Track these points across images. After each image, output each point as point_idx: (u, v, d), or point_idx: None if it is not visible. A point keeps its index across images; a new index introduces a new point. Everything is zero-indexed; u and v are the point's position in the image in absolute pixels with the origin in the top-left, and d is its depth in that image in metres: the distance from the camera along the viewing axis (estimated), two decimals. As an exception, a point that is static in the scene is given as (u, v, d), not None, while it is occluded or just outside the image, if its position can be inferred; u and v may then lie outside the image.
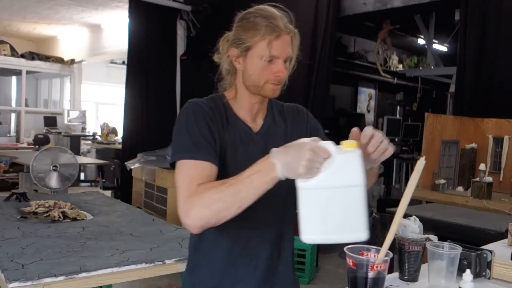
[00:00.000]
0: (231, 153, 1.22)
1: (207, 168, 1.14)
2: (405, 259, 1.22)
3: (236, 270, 1.26)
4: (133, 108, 5.92)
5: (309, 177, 0.96)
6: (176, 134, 1.22)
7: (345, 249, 0.81)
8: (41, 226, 2.52)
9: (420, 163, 0.79)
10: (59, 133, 8.43)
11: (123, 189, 5.84)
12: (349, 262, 0.81)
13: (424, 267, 1.25)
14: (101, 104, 11.70)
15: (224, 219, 1.05)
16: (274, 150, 1.01)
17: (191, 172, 1.13)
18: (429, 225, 1.92)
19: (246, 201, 1.03)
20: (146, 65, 5.94)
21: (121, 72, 5.93)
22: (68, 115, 9.07)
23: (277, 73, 1.20)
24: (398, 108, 9.10)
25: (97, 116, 11.49)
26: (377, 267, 0.79)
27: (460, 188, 3.55)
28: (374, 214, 4.43)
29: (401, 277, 1.24)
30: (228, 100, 1.29)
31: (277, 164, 0.99)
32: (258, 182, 1.01)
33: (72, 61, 9.44)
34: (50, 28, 9.12)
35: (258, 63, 1.20)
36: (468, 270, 1.05)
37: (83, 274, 1.82)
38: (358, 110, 8.40)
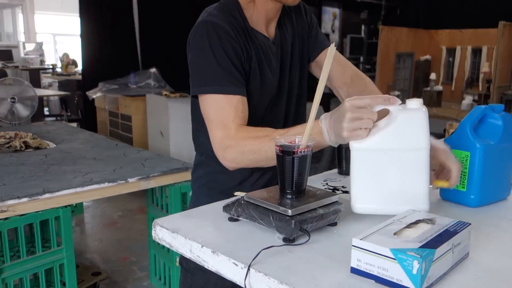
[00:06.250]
0: (258, 72, 1.13)
1: (239, 103, 1.06)
2: (343, 155, 1.31)
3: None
4: (90, 37, 5.71)
5: (361, 140, 0.87)
6: (198, 59, 1.07)
7: (274, 139, 0.87)
8: (3, 156, 2.53)
9: (331, 49, 0.83)
10: (16, 67, 8.12)
11: (88, 120, 5.80)
12: (277, 149, 0.87)
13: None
14: (59, 35, 11.21)
15: (259, 166, 1.07)
16: (323, 115, 0.95)
17: (224, 110, 1.05)
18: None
19: None
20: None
21: (76, -1, 5.67)
22: (24, 48, 8.69)
23: None
24: (363, 27, 9.02)
25: (55, 49, 11.04)
26: (300, 151, 0.85)
27: (414, 99, 3.68)
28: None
29: (340, 172, 1.34)
30: (243, 8, 1.14)
31: (324, 129, 0.93)
32: None
33: (22, -11, 8.90)
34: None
35: None
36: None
37: (46, 195, 1.88)
38: (323, 30, 8.28)
